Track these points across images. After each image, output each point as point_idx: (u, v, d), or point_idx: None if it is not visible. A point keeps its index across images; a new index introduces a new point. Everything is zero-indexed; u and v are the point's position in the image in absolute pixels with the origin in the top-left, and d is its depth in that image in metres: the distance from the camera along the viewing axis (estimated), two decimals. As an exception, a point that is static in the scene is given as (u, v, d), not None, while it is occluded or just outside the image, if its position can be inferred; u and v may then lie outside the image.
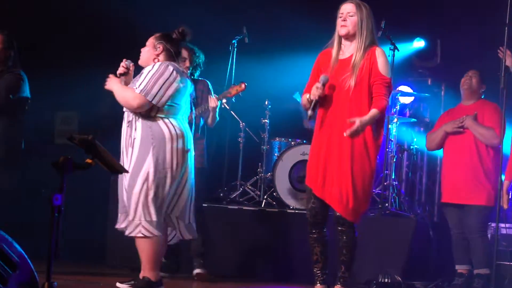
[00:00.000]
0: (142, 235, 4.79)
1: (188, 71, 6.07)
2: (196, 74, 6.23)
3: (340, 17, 4.80)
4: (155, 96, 4.85)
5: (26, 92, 5.85)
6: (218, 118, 6.15)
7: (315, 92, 4.71)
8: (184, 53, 6.05)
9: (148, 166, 4.82)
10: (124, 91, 4.98)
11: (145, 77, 4.91)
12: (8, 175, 5.73)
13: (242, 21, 7.59)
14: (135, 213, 4.80)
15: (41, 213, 4.57)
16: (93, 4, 7.63)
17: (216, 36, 7.47)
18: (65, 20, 8.06)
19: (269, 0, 7.75)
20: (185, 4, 7.53)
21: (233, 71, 7.31)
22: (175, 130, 4.93)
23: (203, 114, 6.09)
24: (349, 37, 4.81)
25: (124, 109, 5.05)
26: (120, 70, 5.09)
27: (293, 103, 7.50)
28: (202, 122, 6.16)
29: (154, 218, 4.79)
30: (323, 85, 4.72)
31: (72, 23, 8.08)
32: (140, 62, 5.11)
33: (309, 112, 4.76)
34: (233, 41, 7.38)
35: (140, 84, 4.89)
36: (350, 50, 4.83)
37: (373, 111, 4.68)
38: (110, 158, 4.02)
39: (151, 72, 4.92)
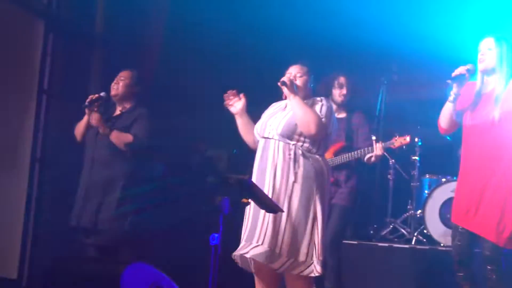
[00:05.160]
0: (314, 275, 4.72)
1: (345, 100, 6.13)
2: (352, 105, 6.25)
3: (479, 52, 4.82)
4: (329, 128, 4.90)
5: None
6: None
7: (460, 69, 4.73)
8: (342, 80, 6.12)
9: (315, 205, 4.75)
10: (309, 109, 4.84)
11: (321, 107, 4.91)
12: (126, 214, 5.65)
13: (390, 57, 7.64)
14: (307, 253, 4.72)
15: (196, 252, 4.73)
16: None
17: (365, 69, 7.54)
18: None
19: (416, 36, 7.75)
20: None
21: (383, 108, 7.36)
22: (327, 166, 4.94)
23: (360, 156, 6.12)
24: (489, 71, 4.81)
25: (263, 142, 4.91)
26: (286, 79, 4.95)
27: (443, 140, 7.45)
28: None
29: (322, 257, 4.74)
30: (469, 70, 4.73)
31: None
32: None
33: (448, 80, 4.77)
34: (383, 78, 7.44)
35: (320, 111, 4.87)
36: (492, 84, 4.82)
37: None
38: (265, 197, 4.15)
39: (324, 104, 4.94)
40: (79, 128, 5.86)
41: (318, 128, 4.78)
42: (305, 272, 4.72)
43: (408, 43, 7.81)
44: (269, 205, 4.10)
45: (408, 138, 6.22)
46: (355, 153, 6.06)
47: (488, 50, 4.80)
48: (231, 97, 5.16)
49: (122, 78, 5.90)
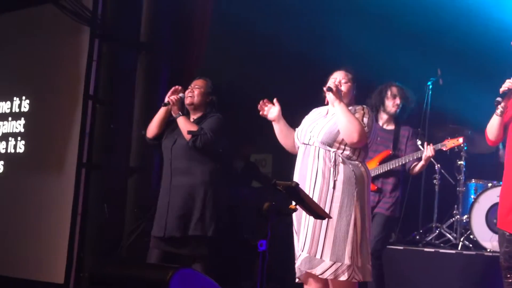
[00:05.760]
0: (355, 280, 4.64)
1: (398, 110, 6.11)
2: (404, 117, 6.18)
3: None
4: (370, 137, 4.83)
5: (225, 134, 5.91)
6: None
7: (507, 83, 4.67)
8: (394, 90, 6.08)
9: (356, 211, 4.66)
10: (353, 117, 4.76)
11: (363, 116, 4.83)
12: (210, 220, 5.65)
13: (437, 62, 7.58)
14: (351, 258, 4.62)
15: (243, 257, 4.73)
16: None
17: (411, 75, 7.49)
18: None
19: (462, 40, 7.69)
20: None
21: (428, 113, 7.30)
22: (367, 172, 4.86)
23: (405, 162, 6.05)
24: None
25: (302, 148, 4.86)
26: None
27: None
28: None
29: (360, 263, 4.65)
30: None
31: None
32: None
33: (498, 98, 4.69)
34: (428, 83, 7.38)
35: (363, 120, 4.81)
36: None
37: None
38: (313, 204, 4.12)
39: (366, 113, 4.86)
40: (152, 125, 5.87)
41: (360, 137, 4.72)
42: (350, 277, 4.63)
43: (454, 48, 7.77)
44: (317, 212, 4.07)
45: (461, 139, 6.14)
46: (401, 159, 5.99)
47: None
48: (265, 106, 5.10)
49: (197, 86, 5.86)
